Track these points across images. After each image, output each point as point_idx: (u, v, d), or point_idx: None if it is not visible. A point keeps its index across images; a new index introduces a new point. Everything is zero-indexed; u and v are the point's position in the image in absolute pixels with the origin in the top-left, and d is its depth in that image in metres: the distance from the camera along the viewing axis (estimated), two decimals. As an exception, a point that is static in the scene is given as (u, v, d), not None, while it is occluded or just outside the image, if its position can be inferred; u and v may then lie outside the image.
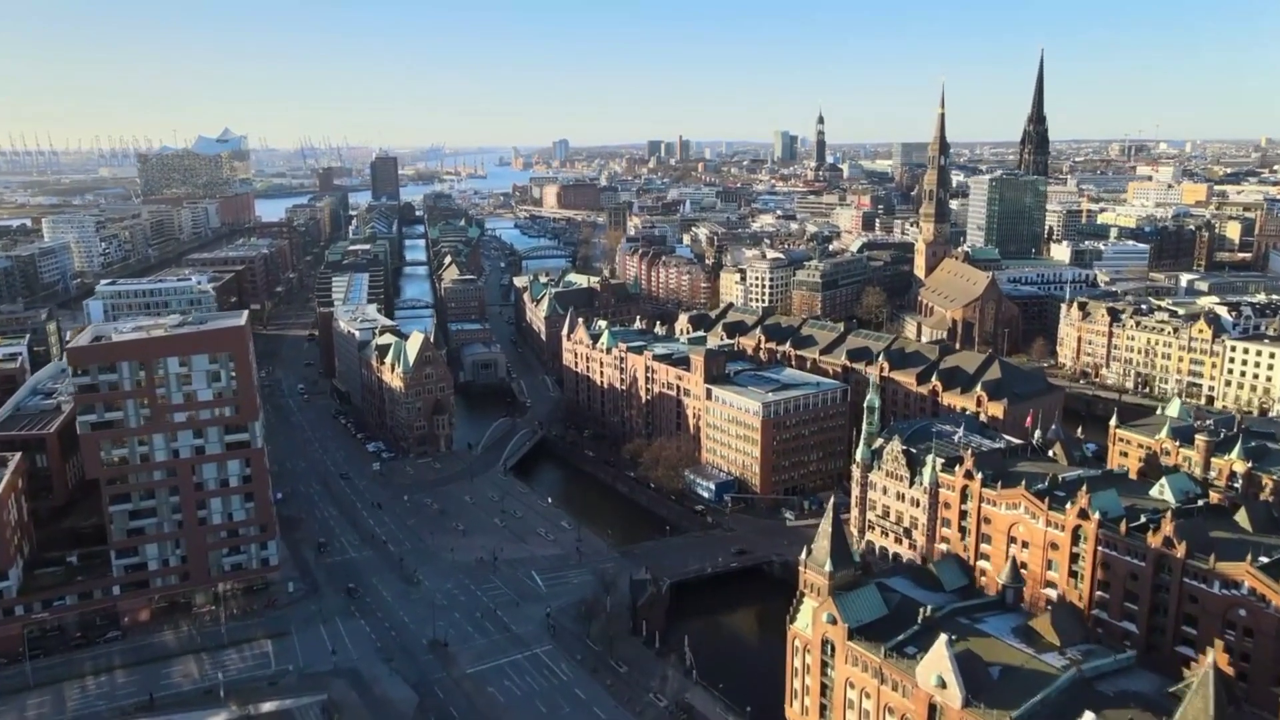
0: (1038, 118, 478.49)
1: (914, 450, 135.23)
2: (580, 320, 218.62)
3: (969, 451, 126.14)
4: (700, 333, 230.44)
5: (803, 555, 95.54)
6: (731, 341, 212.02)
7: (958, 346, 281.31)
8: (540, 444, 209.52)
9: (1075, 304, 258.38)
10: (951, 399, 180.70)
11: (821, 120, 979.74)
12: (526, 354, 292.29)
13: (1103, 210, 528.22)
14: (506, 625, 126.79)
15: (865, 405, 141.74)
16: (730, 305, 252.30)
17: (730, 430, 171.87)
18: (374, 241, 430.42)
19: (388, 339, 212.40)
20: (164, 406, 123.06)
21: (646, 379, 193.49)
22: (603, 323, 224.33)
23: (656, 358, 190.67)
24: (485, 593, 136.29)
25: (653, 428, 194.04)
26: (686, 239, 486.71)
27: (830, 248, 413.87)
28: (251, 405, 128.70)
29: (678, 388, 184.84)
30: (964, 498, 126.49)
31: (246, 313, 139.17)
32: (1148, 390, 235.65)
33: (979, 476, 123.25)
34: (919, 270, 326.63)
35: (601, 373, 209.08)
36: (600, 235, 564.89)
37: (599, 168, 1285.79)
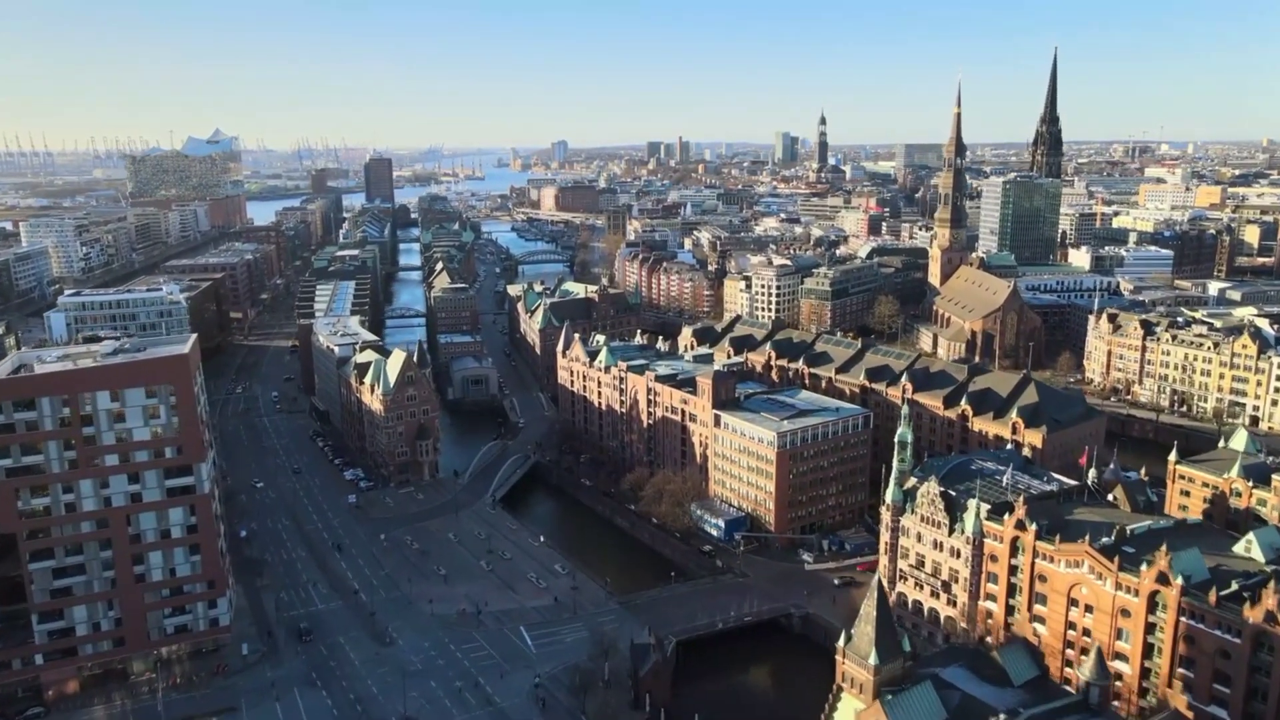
0: (1050, 118, 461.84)
1: (953, 493, 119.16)
2: (576, 336, 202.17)
3: (1020, 499, 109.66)
4: (706, 348, 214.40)
5: (840, 641, 79.33)
6: (740, 360, 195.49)
7: (976, 359, 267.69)
8: (533, 470, 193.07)
9: (1105, 315, 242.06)
10: (983, 425, 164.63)
11: (824, 121, 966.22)
12: (520, 367, 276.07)
13: (1116, 214, 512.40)
14: (490, 697, 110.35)
15: (896, 440, 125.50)
16: (737, 318, 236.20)
17: (741, 461, 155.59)
18: (364, 246, 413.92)
19: (368, 356, 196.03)
20: (93, 448, 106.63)
21: (649, 402, 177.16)
22: (600, 337, 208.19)
23: (659, 379, 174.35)
24: (467, 655, 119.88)
25: (655, 455, 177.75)
26: (688, 244, 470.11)
27: (838, 253, 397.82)
28: (197, 444, 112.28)
29: (683, 412, 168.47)
30: (1014, 550, 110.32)
31: (194, 337, 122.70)
32: (1185, 409, 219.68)
33: (1033, 528, 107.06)
34: (933, 278, 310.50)
35: (599, 393, 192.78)
36: (599, 239, 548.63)
37: (598, 169, 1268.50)
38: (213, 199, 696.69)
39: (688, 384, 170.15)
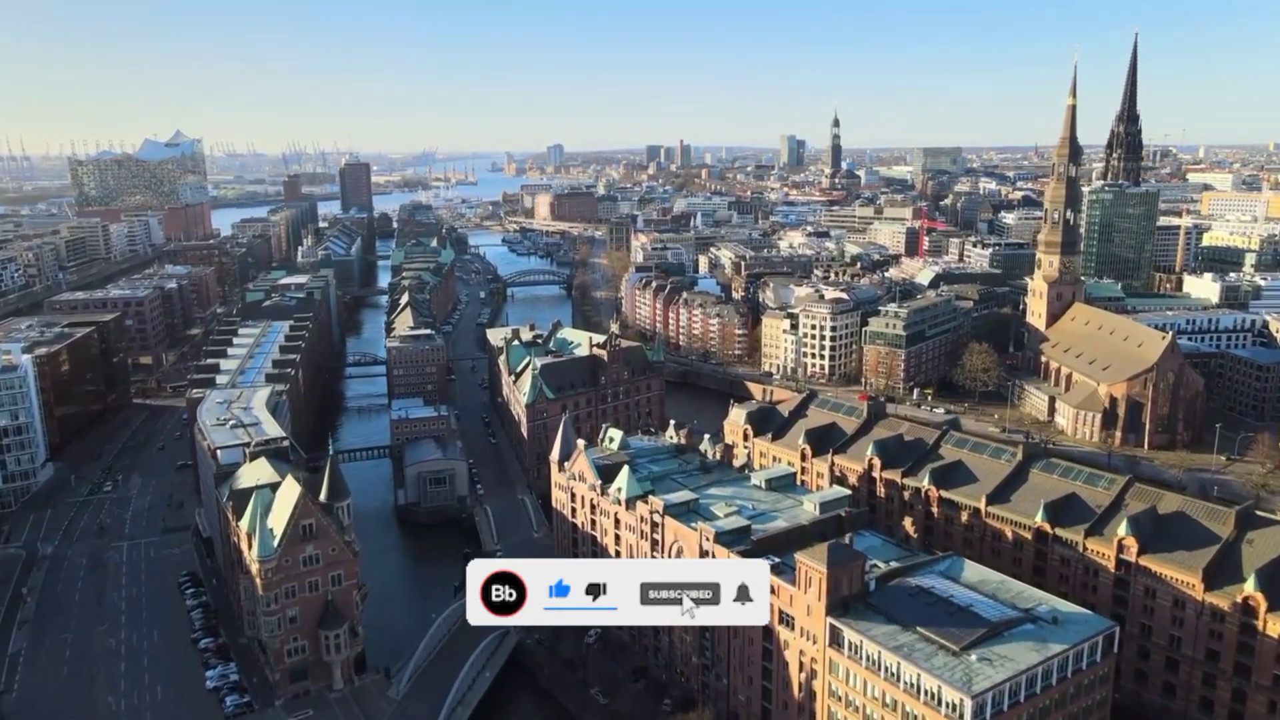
0: (1129, 116, 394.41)
1: None
2: (581, 443, 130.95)
3: None
4: (768, 441, 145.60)
5: None
6: (846, 494, 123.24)
7: (1119, 437, 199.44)
8: (514, 656, 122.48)
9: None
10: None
11: (837, 123, 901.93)
12: (502, 447, 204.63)
13: (1196, 227, 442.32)
14: None
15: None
16: (811, 395, 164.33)
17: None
18: (319, 270, 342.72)
19: (258, 473, 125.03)
20: None
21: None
22: (615, 434, 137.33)
23: (721, 539, 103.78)
24: None
25: (715, 659, 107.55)
26: (704, 263, 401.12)
27: (889, 276, 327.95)
28: None
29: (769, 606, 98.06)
30: None
31: None
32: None
33: None
34: (1035, 318, 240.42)
35: (617, 535, 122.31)
36: (600, 254, 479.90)
37: (595, 174, 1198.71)
38: (170, 208, 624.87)
39: (770, 549, 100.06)
